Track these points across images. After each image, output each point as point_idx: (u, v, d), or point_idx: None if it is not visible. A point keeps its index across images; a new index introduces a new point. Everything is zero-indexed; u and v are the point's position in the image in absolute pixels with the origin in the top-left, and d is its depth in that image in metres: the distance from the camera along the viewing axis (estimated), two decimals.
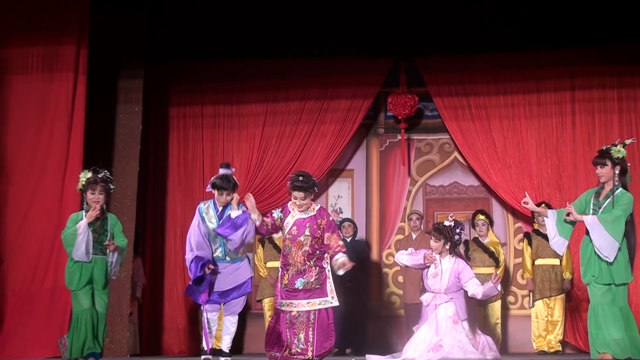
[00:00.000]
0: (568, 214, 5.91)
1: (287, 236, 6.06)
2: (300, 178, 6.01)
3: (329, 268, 6.01)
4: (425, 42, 8.76)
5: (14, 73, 7.72)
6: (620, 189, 5.83)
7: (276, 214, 6.15)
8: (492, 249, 8.37)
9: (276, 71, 9.01)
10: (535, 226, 8.34)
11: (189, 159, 9.05)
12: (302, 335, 5.88)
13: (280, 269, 6.12)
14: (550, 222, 6.02)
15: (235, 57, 8.99)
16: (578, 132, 8.63)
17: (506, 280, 8.71)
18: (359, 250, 8.60)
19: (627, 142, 5.94)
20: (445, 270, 6.63)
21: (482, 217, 8.49)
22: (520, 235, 8.78)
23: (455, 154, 9.17)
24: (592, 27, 8.45)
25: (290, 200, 6.10)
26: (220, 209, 6.56)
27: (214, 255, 6.56)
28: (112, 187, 6.47)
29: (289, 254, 5.99)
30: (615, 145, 5.87)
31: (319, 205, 6.17)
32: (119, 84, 8.36)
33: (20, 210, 7.49)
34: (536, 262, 8.22)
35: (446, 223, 6.69)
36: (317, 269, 5.98)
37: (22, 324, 7.24)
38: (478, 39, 8.67)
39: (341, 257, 5.89)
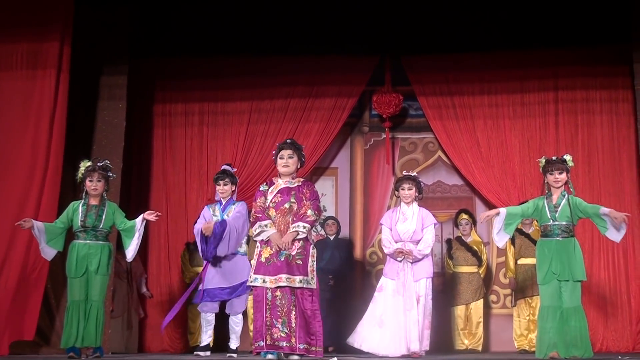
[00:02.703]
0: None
1: (271, 204, 5.78)
2: (288, 140, 5.96)
3: (313, 245, 5.81)
4: (411, 41, 8.79)
5: None
6: (567, 194, 6.24)
7: (263, 187, 5.91)
8: (475, 248, 8.41)
9: (261, 69, 8.99)
10: (519, 225, 8.37)
11: (173, 156, 9.02)
12: (285, 319, 5.56)
13: (258, 246, 5.77)
14: (500, 218, 6.33)
15: (220, 54, 8.97)
16: (561, 132, 8.68)
17: (489, 279, 8.77)
18: (342, 248, 8.63)
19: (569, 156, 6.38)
20: (413, 214, 6.91)
21: (465, 216, 8.53)
22: None
23: (439, 153, 9.20)
24: (576, 28, 8.51)
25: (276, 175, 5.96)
26: (223, 202, 7.03)
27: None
28: (111, 175, 6.58)
29: (273, 223, 5.73)
30: (565, 156, 6.32)
31: (302, 179, 5.98)
32: (103, 80, 8.31)
33: None
34: (519, 262, 8.27)
35: (412, 173, 7.10)
36: (300, 242, 5.69)
37: None
38: (463, 38, 8.71)
39: (297, 228, 5.66)
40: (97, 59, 8.29)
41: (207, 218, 6.94)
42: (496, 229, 6.35)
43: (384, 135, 9.19)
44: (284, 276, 5.60)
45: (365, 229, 9.12)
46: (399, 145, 9.30)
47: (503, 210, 6.36)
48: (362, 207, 9.21)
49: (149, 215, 6.46)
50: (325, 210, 9.15)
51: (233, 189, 7.05)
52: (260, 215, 5.75)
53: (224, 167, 7.20)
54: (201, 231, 6.77)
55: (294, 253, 5.64)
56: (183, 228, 8.76)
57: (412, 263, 6.81)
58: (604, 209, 6.13)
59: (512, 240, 8.32)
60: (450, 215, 8.90)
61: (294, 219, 5.72)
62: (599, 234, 8.29)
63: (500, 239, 6.39)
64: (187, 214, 8.70)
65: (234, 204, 7.04)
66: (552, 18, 8.51)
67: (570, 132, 8.66)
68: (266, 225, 5.72)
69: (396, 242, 6.92)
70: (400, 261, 6.80)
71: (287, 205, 5.75)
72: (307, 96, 8.98)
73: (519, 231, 8.32)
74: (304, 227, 5.68)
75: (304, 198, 5.78)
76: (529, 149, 8.70)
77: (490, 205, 8.91)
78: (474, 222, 8.60)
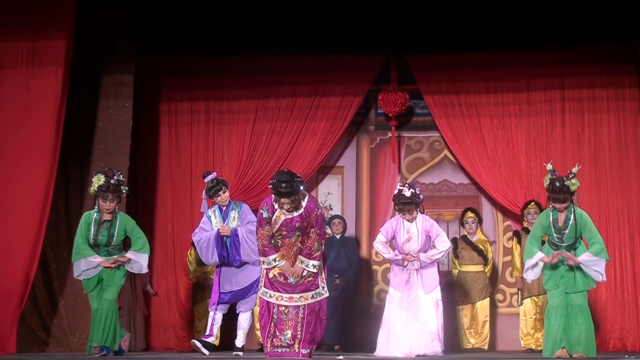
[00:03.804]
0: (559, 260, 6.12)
1: (277, 234, 5.74)
2: (284, 185, 5.47)
3: (321, 261, 5.78)
4: (417, 39, 8.76)
5: (2, 67, 7.65)
6: (574, 210, 6.09)
7: (265, 213, 5.71)
8: (481, 247, 8.40)
9: (267, 67, 8.98)
10: (525, 224, 8.36)
11: (179, 154, 9.02)
12: (289, 332, 5.65)
13: None
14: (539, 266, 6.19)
15: (226, 53, 8.96)
16: (567, 131, 8.65)
17: (495, 278, 8.75)
18: (348, 247, 8.63)
19: (575, 170, 6.13)
20: (417, 231, 6.69)
21: (471, 214, 8.51)
22: (510, 234, 8.79)
23: (446, 151, 9.18)
24: (582, 27, 8.48)
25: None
26: (223, 208, 7.00)
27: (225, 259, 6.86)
28: (124, 190, 6.54)
29: (280, 251, 5.72)
30: (569, 179, 6.05)
31: (306, 198, 5.71)
32: (109, 79, 8.34)
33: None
34: None
35: (407, 193, 6.63)
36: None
37: None
38: (469, 37, 8.68)
39: (307, 267, 5.66)
40: (103, 58, 8.32)
41: (208, 229, 6.93)
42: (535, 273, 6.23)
43: (390, 134, 9.17)
44: (296, 296, 5.69)
45: (372, 227, 9.09)
46: (405, 144, 9.29)
47: (538, 254, 6.16)
48: (368, 206, 9.20)
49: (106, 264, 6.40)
50: (332, 209, 9.16)
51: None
52: (267, 249, 5.71)
53: (210, 176, 7.02)
54: (217, 235, 6.80)
55: (304, 274, 5.71)
56: (188, 227, 8.72)
57: (420, 275, 6.67)
58: (583, 255, 6.05)
59: (519, 239, 8.31)
60: (456, 214, 8.88)
61: (302, 248, 5.71)
62: (606, 233, 8.32)
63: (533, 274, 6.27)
64: (192, 213, 8.69)
65: (233, 208, 7.02)
66: (558, 17, 8.48)
67: (577, 131, 8.63)
68: (274, 260, 5.72)
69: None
70: (405, 266, 6.68)
71: (293, 239, 5.70)
72: (313, 95, 8.97)
73: (525, 230, 8.30)
74: (314, 266, 5.71)
75: (308, 226, 5.69)
76: (535, 147, 8.67)
77: (496, 204, 8.91)
78: (480, 220, 8.59)
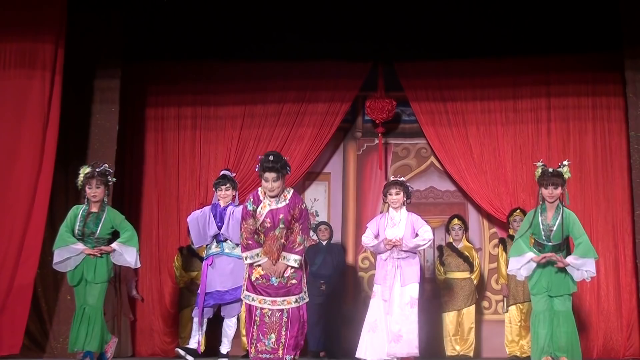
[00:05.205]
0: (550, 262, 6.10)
1: (260, 229, 5.69)
2: (271, 158, 5.60)
3: (304, 261, 5.77)
4: (404, 47, 8.81)
5: None
6: (562, 208, 6.11)
7: (250, 206, 5.73)
8: (467, 253, 8.42)
9: (254, 73, 9.00)
10: (510, 232, 8.39)
11: (165, 160, 9.00)
12: (273, 336, 5.64)
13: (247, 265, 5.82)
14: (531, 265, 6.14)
15: (214, 58, 8.99)
16: (553, 139, 8.70)
17: (480, 285, 8.76)
18: (334, 254, 8.62)
19: (566, 162, 6.20)
20: (402, 220, 6.78)
21: (458, 222, 8.54)
22: (496, 241, 8.82)
23: (432, 159, 9.21)
24: (568, 35, 8.55)
25: (260, 186, 5.74)
26: (222, 205, 7.01)
27: (212, 250, 6.80)
28: (111, 179, 6.50)
29: (263, 247, 5.68)
30: (563, 167, 6.11)
31: (292, 191, 5.78)
32: (95, 83, 8.32)
33: None
34: None
35: (400, 178, 6.93)
36: None
37: None
38: (456, 45, 8.74)
39: (289, 262, 5.62)
40: (90, 63, 8.31)
41: (206, 213, 6.97)
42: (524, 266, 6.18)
43: (376, 141, 9.19)
44: (279, 299, 5.67)
45: (358, 234, 9.07)
46: (391, 151, 9.31)
47: (529, 254, 6.12)
48: (355, 213, 9.21)
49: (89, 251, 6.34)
50: (318, 216, 9.15)
51: (234, 194, 7.05)
52: (251, 242, 5.70)
53: (224, 172, 7.16)
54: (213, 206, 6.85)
55: (287, 275, 5.69)
56: (174, 232, 8.74)
57: (400, 269, 6.69)
58: (570, 257, 6.04)
59: (504, 247, 8.33)
60: (442, 221, 8.89)
61: (285, 243, 5.69)
62: (590, 242, 8.34)
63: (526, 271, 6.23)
64: (178, 218, 8.68)
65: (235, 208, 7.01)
66: (544, 25, 8.55)
67: (562, 139, 8.68)
68: (257, 255, 5.68)
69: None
70: (389, 249, 6.67)
71: (277, 232, 5.67)
72: (300, 101, 8.99)
73: (511, 237, 8.32)
74: (295, 261, 5.67)
75: (292, 219, 5.70)
76: (521, 155, 8.72)
77: (482, 211, 8.94)
78: (465, 227, 8.62)
